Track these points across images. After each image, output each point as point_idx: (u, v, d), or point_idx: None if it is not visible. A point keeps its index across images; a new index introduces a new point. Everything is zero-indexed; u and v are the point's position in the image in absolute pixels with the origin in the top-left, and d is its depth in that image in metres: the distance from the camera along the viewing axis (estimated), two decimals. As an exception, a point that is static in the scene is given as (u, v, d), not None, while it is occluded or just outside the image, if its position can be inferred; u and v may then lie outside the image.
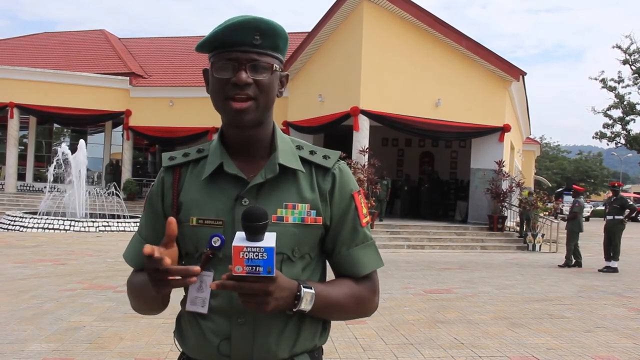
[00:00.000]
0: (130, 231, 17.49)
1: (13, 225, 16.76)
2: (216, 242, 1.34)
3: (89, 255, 11.47)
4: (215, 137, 1.49)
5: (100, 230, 16.97)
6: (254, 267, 1.16)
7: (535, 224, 17.48)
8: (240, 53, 1.33)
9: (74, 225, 16.82)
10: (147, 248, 1.16)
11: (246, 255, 1.16)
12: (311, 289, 1.31)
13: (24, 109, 24.47)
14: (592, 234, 21.10)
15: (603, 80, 41.39)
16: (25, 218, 16.90)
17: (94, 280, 8.45)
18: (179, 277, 1.19)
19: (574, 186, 14.75)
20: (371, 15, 17.56)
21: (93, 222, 17.28)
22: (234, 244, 1.16)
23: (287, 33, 1.39)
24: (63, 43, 30.19)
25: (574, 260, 12.66)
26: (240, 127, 1.38)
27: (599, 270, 11.76)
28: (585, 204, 43.59)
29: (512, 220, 19.01)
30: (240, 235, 1.19)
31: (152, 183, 1.52)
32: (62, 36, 32.32)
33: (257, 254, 1.16)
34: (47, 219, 16.89)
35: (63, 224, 16.74)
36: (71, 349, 4.85)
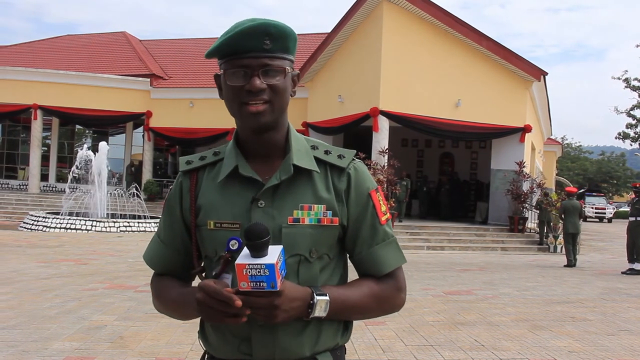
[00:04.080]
0: (151, 231, 17.62)
1: (36, 225, 17.00)
2: (234, 245, 1.34)
3: (110, 255, 11.59)
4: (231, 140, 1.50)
5: (121, 231, 17.14)
6: (258, 283, 1.19)
7: (556, 225, 17.29)
8: (252, 59, 1.33)
9: (95, 226, 17.02)
10: (228, 293, 1.20)
11: (249, 272, 1.19)
12: (325, 295, 1.31)
13: (47, 111, 24.80)
14: (615, 235, 20.84)
15: (626, 80, 40.83)
16: (48, 218, 17.13)
17: (115, 280, 8.54)
18: (232, 319, 1.24)
19: (566, 188, 14.69)
20: (391, 15, 17.51)
21: (114, 222, 17.46)
22: (237, 261, 1.20)
23: (299, 34, 1.39)
24: (85, 45, 30.54)
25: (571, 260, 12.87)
26: (256, 130, 1.38)
27: (623, 273, 11.59)
28: (609, 205, 43.08)
29: (532, 221, 18.84)
30: (245, 252, 1.22)
31: (171, 187, 1.53)
32: (84, 38, 32.71)
33: (259, 270, 1.18)
34: (70, 219, 17.10)
35: (85, 224, 16.94)
36: (93, 347, 4.90)
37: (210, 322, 1.25)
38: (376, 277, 1.43)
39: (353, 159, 1.46)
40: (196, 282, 1.41)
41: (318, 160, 1.43)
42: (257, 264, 1.18)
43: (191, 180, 1.47)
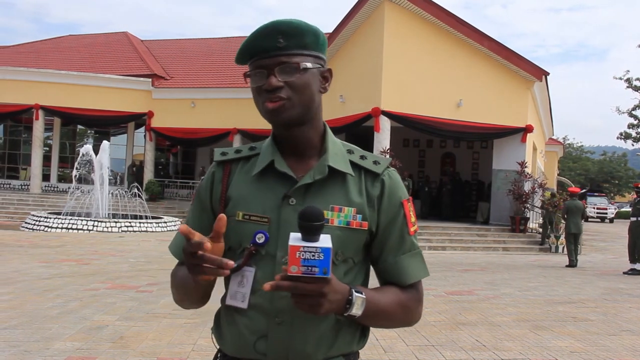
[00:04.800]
0: (153, 232, 17.65)
1: (38, 225, 17.02)
2: (260, 238, 1.34)
3: (112, 255, 11.60)
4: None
5: (123, 231, 17.15)
6: (310, 268, 1.15)
7: (558, 225, 17.28)
8: (268, 59, 1.35)
9: (97, 226, 17.03)
10: (184, 227, 1.19)
11: (302, 255, 1.15)
12: (362, 294, 1.30)
13: (49, 111, 24.83)
14: (617, 235, 20.82)
15: (628, 80, 40.87)
16: (50, 218, 17.14)
17: (116, 280, 8.54)
18: (213, 266, 1.21)
19: (569, 189, 14.68)
20: (392, 15, 17.50)
21: (116, 222, 17.48)
22: (290, 243, 1.16)
23: (314, 27, 1.39)
24: (87, 45, 30.57)
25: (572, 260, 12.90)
26: (278, 125, 1.40)
27: (624, 273, 11.59)
28: (610, 205, 43.04)
29: (534, 221, 18.82)
30: (295, 235, 1.18)
31: (203, 177, 1.54)
32: (86, 39, 32.74)
33: (313, 254, 1.15)
34: (71, 219, 17.12)
35: (87, 224, 16.95)
36: (94, 347, 4.91)
37: (197, 275, 1.23)
38: (399, 287, 1.43)
39: (388, 167, 1.46)
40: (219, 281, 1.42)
41: (353, 165, 1.44)
42: (313, 247, 1.15)
43: (224, 170, 1.48)
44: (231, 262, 1.21)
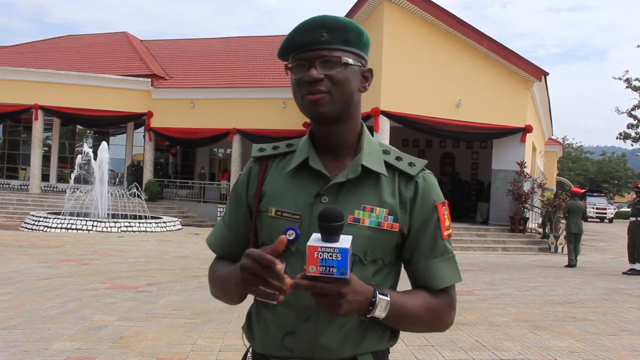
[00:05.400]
0: (152, 232, 17.65)
1: (37, 225, 17.01)
2: (290, 235, 1.35)
3: (111, 255, 11.59)
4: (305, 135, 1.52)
5: (122, 231, 17.15)
6: (328, 268, 1.16)
7: (557, 225, 17.29)
8: (310, 52, 1.36)
9: (96, 226, 17.04)
10: (279, 266, 1.16)
11: (320, 255, 1.16)
12: (387, 296, 1.29)
13: (48, 111, 24.81)
14: (616, 235, 20.83)
15: (627, 80, 40.87)
16: (49, 218, 17.14)
17: (116, 280, 8.54)
18: (270, 291, 1.19)
19: (572, 188, 14.69)
20: (392, 16, 17.51)
21: (115, 222, 17.48)
22: (308, 243, 1.17)
23: (359, 26, 1.40)
24: (86, 45, 30.57)
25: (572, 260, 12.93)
26: (317, 119, 1.40)
27: (624, 273, 11.59)
28: (610, 205, 43.05)
29: (533, 221, 18.82)
30: (316, 236, 1.20)
31: (240, 173, 1.56)
32: (85, 39, 32.74)
33: (331, 254, 1.16)
34: (71, 219, 17.12)
35: (86, 224, 16.95)
36: (94, 347, 4.91)
37: (249, 292, 1.23)
38: (430, 291, 1.42)
39: (423, 169, 1.46)
40: None
41: (388, 165, 1.43)
42: (331, 248, 1.16)
43: (261, 166, 1.50)
44: (279, 266, 1.18)
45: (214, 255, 1.57)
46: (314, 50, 1.36)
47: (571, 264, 12.79)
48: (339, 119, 1.40)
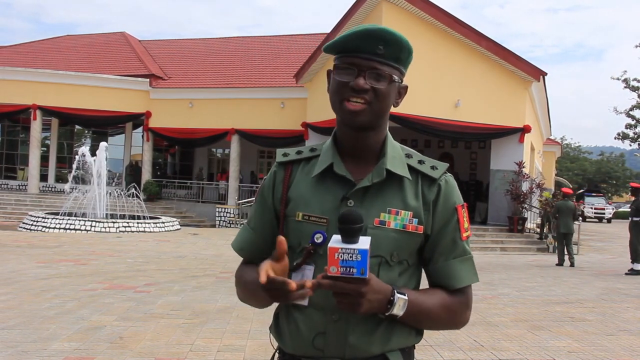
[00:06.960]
0: (150, 232, 17.64)
1: (35, 225, 17.00)
2: (318, 238, 1.39)
3: (109, 255, 11.58)
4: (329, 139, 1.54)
5: (120, 231, 17.14)
6: (348, 268, 1.21)
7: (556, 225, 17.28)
8: (363, 60, 1.38)
9: (94, 226, 17.02)
10: (263, 277, 1.23)
11: (341, 256, 1.21)
12: (405, 295, 1.35)
13: (47, 111, 24.79)
14: (615, 235, 20.84)
15: (626, 80, 40.88)
16: (48, 219, 17.13)
17: (114, 280, 8.53)
18: (299, 293, 1.24)
19: (562, 189, 14.74)
20: (390, 16, 17.50)
21: (113, 222, 17.46)
22: (329, 245, 1.22)
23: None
24: (85, 46, 30.55)
25: (560, 260, 13.02)
26: (352, 127, 1.43)
27: (626, 274, 11.49)
28: (608, 205, 43.06)
29: (532, 221, 18.83)
30: (336, 237, 1.24)
31: (265, 177, 1.58)
32: (83, 39, 32.72)
33: (351, 255, 1.21)
34: (69, 219, 17.11)
35: (84, 225, 16.95)
36: (92, 348, 4.90)
37: (280, 302, 1.30)
38: (447, 290, 1.46)
39: (445, 172, 1.50)
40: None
41: (411, 169, 1.47)
42: (351, 249, 1.20)
43: (286, 171, 1.52)
44: (310, 284, 1.24)
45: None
46: (367, 59, 1.38)
47: (560, 263, 12.91)
48: (371, 129, 1.44)
